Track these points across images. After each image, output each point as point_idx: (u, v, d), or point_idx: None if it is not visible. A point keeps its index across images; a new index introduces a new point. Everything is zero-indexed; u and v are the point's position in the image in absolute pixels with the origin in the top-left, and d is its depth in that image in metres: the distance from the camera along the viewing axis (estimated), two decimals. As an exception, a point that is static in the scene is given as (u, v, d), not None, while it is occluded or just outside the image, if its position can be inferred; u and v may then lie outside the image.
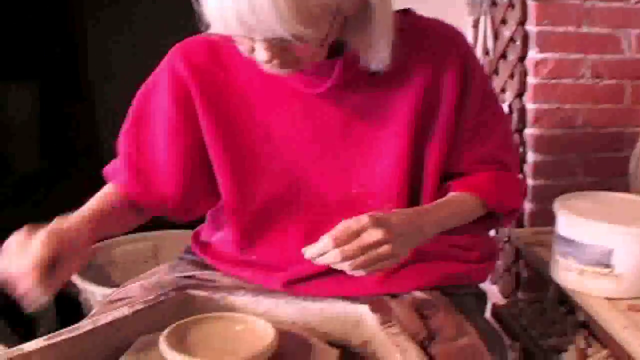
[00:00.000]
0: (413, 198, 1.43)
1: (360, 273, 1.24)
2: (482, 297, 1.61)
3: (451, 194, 1.43)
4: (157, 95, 1.49)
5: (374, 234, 1.21)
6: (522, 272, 2.42)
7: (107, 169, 1.57)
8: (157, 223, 2.78)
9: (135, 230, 2.85)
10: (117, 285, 1.68)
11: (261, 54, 1.24)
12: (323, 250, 1.21)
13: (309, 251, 1.23)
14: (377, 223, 1.21)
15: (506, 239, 2.41)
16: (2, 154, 3.96)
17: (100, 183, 4.08)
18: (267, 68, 1.29)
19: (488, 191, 1.44)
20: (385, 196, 1.40)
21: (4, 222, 3.45)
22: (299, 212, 1.44)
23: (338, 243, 1.20)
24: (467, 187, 1.43)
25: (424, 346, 1.29)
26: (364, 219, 1.21)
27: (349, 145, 1.40)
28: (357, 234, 1.20)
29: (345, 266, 1.22)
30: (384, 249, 1.22)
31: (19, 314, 2.55)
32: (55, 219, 1.31)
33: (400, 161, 1.38)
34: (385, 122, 1.38)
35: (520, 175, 2.29)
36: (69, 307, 2.88)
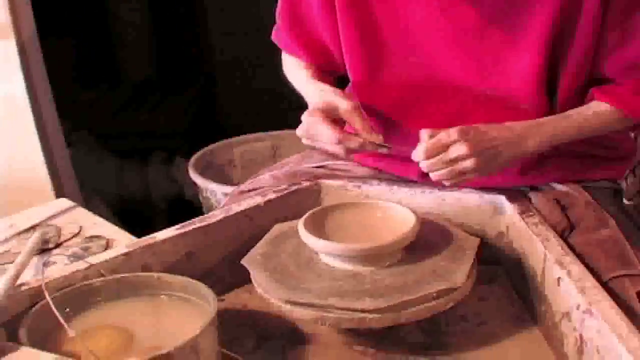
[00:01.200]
0: (550, 100, 1.36)
1: (446, 183, 1.29)
2: (619, 193, 1.55)
3: (588, 105, 1.35)
4: None
5: (459, 149, 1.23)
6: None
7: (280, 38, 1.58)
8: (276, 123, 2.79)
9: (254, 130, 2.88)
10: (237, 185, 1.68)
11: None
12: (417, 159, 1.27)
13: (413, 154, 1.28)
14: (465, 137, 1.23)
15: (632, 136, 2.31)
16: (117, 62, 4.01)
17: (211, 89, 4.09)
18: None
19: (630, 102, 1.34)
20: (522, 96, 1.34)
21: (121, 127, 3.53)
22: (432, 107, 1.40)
23: (428, 155, 1.24)
24: (607, 96, 1.34)
25: (563, 237, 1.25)
26: (452, 133, 1.23)
27: (486, 46, 1.34)
28: (445, 147, 1.24)
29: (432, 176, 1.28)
30: (467, 164, 1.24)
31: (135, 218, 2.62)
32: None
33: (538, 62, 1.31)
34: (524, 24, 1.31)
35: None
36: (181, 210, 2.94)
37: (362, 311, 1.08)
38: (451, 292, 1.12)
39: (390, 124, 1.43)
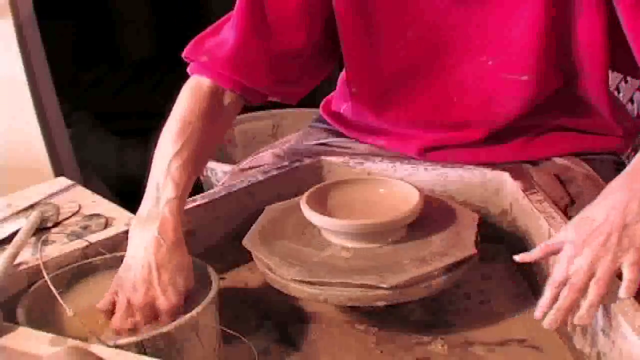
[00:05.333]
0: (553, 72, 1.34)
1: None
2: (621, 165, 1.53)
3: None
4: None
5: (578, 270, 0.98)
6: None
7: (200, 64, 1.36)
8: (276, 102, 2.76)
9: (255, 109, 2.87)
10: (237, 164, 1.67)
11: None
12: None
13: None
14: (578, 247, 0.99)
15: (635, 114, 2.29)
16: (118, 42, 4.01)
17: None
18: None
19: None
20: (523, 65, 1.32)
21: (121, 107, 3.52)
22: (431, 83, 1.39)
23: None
24: None
25: (566, 212, 1.24)
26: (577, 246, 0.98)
27: (486, 14, 1.31)
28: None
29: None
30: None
31: (135, 198, 2.61)
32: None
33: (539, 31, 1.28)
34: None
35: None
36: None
37: (365, 288, 1.07)
38: (456, 268, 1.11)
39: (389, 100, 1.42)
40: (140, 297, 1.03)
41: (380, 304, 1.09)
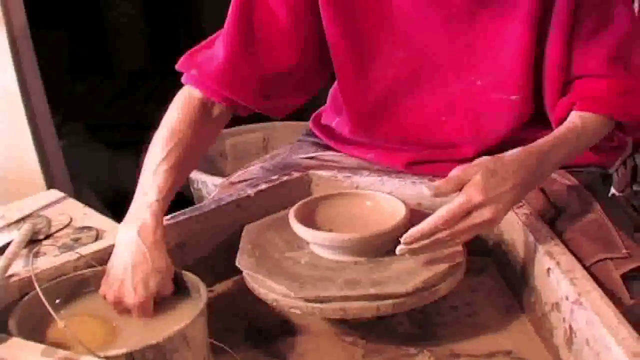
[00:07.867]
0: (537, 90, 1.36)
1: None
2: (607, 178, 1.55)
3: (573, 121, 1.27)
4: None
5: (485, 214, 1.09)
6: (640, 165, 2.32)
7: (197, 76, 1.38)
8: (266, 114, 2.78)
9: (245, 122, 2.88)
10: (228, 176, 1.68)
11: None
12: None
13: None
14: (487, 201, 1.09)
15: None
16: (111, 52, 4.01)
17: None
18: None
19: (617, 104, 1.29)
20: (511, 84, 1.34)
21: (113, 119, 3.51)
22: (420, 101, 1.40)
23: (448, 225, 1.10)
24: (592, 104, 1.28)
25: (550, 224, 1.25)
26: (476, 197, 1.08)
27: (475, 35, 1.33)
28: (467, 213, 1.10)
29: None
30: (490, 222, 1.11)
31: (127, 210, 2.61)
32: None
33: (526, 51, 1.30)
34: (511, 11, 1.30)
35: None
36: (172, 202, 2.93)
37: (284, 293, 1.10)
38: (383, 299, 1.09)
39: (378, 118, 1.43)
40: (112, 294, 1.09)
41: (295, 311, 1.11)
